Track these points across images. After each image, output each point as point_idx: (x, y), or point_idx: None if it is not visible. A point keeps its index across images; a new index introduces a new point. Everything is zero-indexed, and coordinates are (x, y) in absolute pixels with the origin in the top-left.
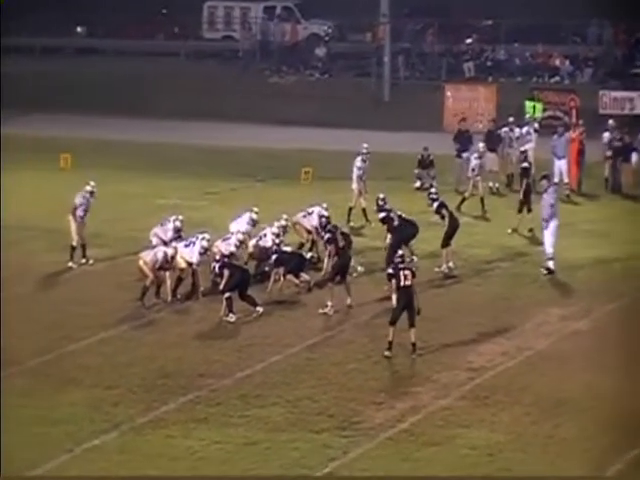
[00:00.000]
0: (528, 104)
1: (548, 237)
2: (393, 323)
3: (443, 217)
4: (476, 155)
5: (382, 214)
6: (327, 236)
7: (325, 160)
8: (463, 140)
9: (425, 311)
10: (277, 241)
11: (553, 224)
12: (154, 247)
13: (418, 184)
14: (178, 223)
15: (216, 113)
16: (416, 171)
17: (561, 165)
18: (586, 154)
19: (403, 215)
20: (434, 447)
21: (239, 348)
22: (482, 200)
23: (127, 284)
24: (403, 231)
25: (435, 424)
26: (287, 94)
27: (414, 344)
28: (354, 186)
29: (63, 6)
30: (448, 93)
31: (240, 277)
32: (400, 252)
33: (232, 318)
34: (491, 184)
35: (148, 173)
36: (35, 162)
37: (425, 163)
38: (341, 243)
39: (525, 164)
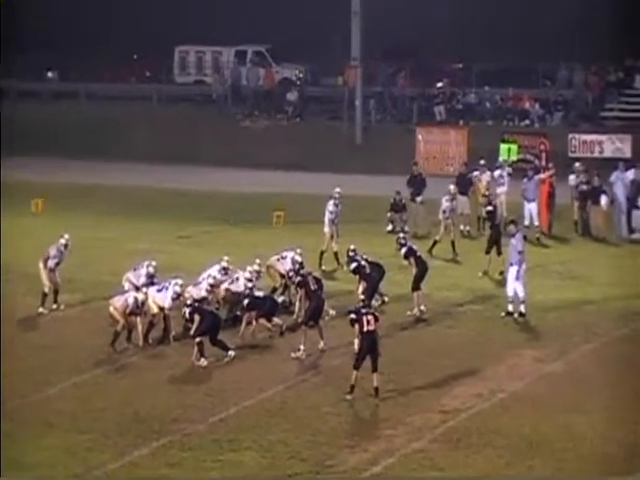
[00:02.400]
0: (503, 147)
1: (512, 281)
2: (357, 368)
3: (410, 264)
4: (447, 197)
5: (353, 265)
6: (298, 279)
7: (297, 204)
8: (416, 184)
9: (397, 354)
10: (249, 285)
11: (521, 269)
12: (125, 292)
13: (390, 227)
14: (151, 269)
15: (189, 157)
16: (388, 214)
17: (531, 208)
18: (556, 197)
19: (369, 259)
20: None
21: (212, 393)
22: (453, 243)
23: (100, 329)
24: (374, 276)
25: (408, 467)
26: (259, 138)
27: (376, 388)
28: (326, 230)
29: (36, 50)
30: (420, 136)
31: (211, 322)
32: (362, 297)
33: (204, 363)
34: (462, 227)
35: (120, 217)
36: (8, 206)
37: (397, 207)
38: (313, 287)
39: (490, 207)
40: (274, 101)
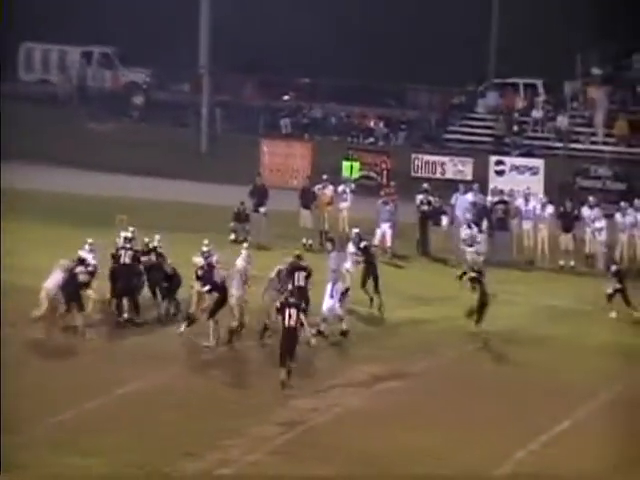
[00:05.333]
0: (345, 164)
1: (327, 298)
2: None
3: None
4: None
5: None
6: None
7: (140, 209)
8: (259, 195)
9: (239, 366)
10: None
11: (336, 287)
12: None
13: (233, 237)
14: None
15: (32, 156)
16: (231, 224)
17: (385, 228)
18: (398, 216)
19: None
20: None
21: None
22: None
23: None
24: None
25: (245, 478)
26: (103, 141)
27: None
28: None
29: None
30: (265, 148)
31: None
32: (290, 287)
33: None
34: (304, 240)
35: None
36: None
37: (240, 217)
38: None
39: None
40: (120, 104)
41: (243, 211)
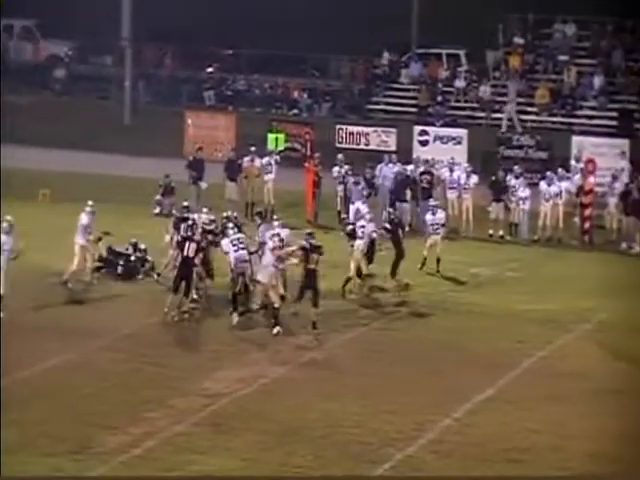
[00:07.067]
0: (270, 136)
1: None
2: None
3: None
4: None
5: None
6: None
7: (63, 182)
8: (198, 168)
9: (164, 337)
10: None
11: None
12: None
13: (157, 210)
14: None
15: None
16: (157, 197)
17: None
18: (323, 186)
19: None
20: (169, 473)
21: None
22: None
23: None
24: None
25: (169, 450)
26: (24, 114)
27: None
28: None
29: None
30: (189, 120)
31: None
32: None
33: None
34: (229, 213)
35: None
36: None
37: (166, 190)
38: None
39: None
40: (41, 77)
41: (169, 184)
